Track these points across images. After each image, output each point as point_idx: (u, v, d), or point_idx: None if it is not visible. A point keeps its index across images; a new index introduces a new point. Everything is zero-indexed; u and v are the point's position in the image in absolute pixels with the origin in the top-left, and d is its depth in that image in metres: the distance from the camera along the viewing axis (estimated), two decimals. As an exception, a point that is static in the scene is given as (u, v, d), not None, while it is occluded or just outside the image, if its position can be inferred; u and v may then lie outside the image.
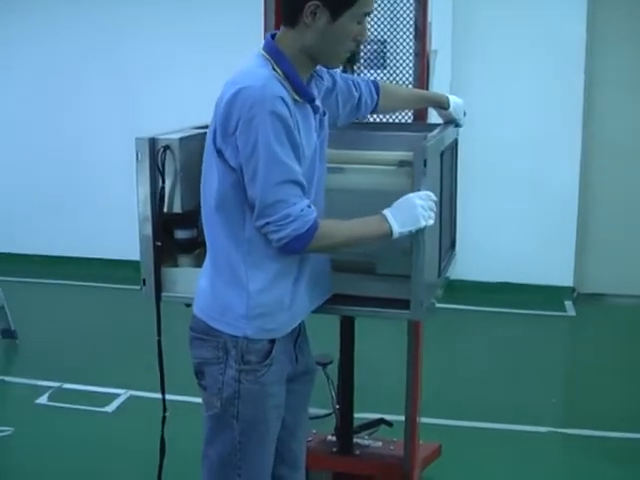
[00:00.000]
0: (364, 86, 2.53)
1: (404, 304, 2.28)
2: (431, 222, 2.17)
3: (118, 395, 4.65)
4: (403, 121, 3.03)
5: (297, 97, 2.09)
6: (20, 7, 7.20)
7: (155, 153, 2.42)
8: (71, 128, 7.22)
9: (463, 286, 6.75)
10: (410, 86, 3.01)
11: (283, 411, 2.32)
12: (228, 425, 2.24)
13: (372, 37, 3.24)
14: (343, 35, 2.10)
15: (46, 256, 7.15)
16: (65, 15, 7.12)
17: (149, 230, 2.45)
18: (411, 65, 3.06)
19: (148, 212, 2.44)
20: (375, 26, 3.21)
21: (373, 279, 2.39)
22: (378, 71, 3.27)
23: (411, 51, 3.06)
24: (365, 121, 2.97)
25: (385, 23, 3.21)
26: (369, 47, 3.31)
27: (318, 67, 2.25)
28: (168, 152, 2.42)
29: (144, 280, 2.51)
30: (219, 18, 6.46)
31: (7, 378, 4.96)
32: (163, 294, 2.52)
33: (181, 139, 2.44)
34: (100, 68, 7.09)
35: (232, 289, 2.17)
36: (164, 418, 2.66)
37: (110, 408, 4.49)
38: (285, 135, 2.02)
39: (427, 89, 2.95)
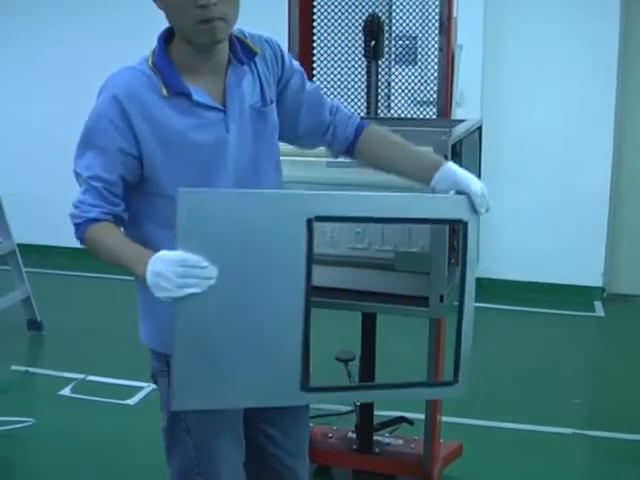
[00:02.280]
0: (343, 119, 2.26)
1: (424, 301, 2.27)
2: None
3: (141, 388, 4.67)
4: (427, 117, 3.01)
5: (165, 91, 2.01)
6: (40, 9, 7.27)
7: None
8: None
9: (491, 285, 6.69)
10: (430, 82, 2.99)
11: (241, 425, 2.24)
12: (180, 439, 2.20)
13: (403, 33, 3.23)
14: (180, 4, 1.95)
15: (73, 248, 7.17)
16: (81, 18, 7.18)
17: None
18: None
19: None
20: (407, 21, 3.20)
21: (393, 275, 2.38)
22: (410, 66, 3.26)
23: (440, 46, 3.03)
24: (386, 116, 2.96)
25: (416, 18, 3.20)
26: (400, 43, 3.30)
27: (282, 55, 2.19)
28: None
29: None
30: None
31: (31, 369, 5.01)
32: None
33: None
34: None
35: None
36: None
37: (132, 401, 4.51)
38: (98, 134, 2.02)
39: (452, 85, 2.92)
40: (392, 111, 3.23)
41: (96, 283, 6.85)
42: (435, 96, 2.92)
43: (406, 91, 3.25)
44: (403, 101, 3.24)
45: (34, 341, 5.56)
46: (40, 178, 7.46)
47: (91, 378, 4.81)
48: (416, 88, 3.17)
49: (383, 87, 3.22)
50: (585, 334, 5.88)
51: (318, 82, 3.16)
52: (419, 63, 3.27)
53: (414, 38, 3.25)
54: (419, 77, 3.22)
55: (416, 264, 2.29)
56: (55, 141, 7.42)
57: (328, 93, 3.19)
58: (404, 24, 3.18)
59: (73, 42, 7.26)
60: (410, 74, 3.21)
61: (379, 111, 3.14)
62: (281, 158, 2.43)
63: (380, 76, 3.15)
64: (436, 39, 3.03)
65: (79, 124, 2.07)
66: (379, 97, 3.17)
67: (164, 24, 2.05)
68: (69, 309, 6.16)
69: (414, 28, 3.18)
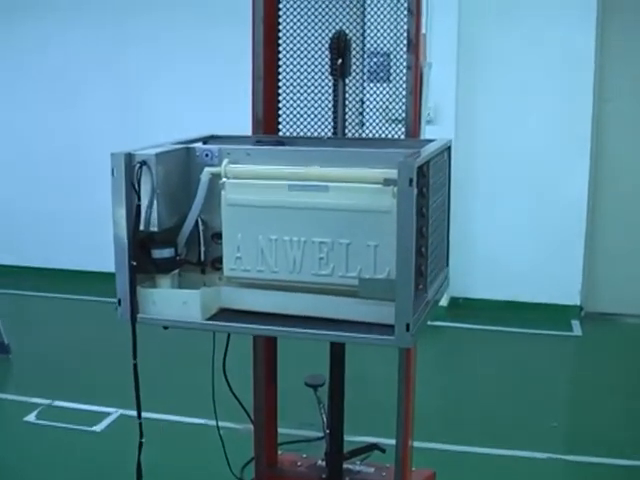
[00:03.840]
0: None
1: (391, 329, 2.18)
2: None
3: (109, 414, 4.57)
4: (395, 136, 2.93)
5: None
6: (31, 16, 7.18)
7: (131, 169, 2.33)
8: (71, 136, 7.18)
9: (468, 304, 6.67)
10: (404, 100, 2.91)
11: None
12: None
13: (375, 49, 3.15)
14: None
15: (42, 268, 7.08)
16: (72, 23, 7.10)
17: (124, 249, 2.36)
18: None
19: (123, 230, 2.35)
20: (380, 38, 3.12)
21: (358, 302, 2.29)
22: (383, 84, 3.18)
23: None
24: (353, 136, 2.88)
25: (389, 35, 3.12)
26: (374, 60, 3.22)
27: None
28: (145, 168, 2.33)
29: (119, 300, 2.42)
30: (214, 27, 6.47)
31: (-5, 395, 4.90)
32: (140, 315, 2.43)
33: (158, 155, 2.35)
34: (103, 76, 7.06)
35: None
36: (140, 444, 2.57)
37: (99, 427, 4.40)
38: None
39: (421, 103, 2.85)
40: (366, 130, 3.15)
41: (66, 304, 6.74)
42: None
43: (380, 109, 3.18)
44: (377, 120, 3.17)
45: (1, 365, 5.44)
46: (15, 194, 7.36)
47: (58, 403, 4.70)
48: (390, 106, 3.11)
49: (355, 105, 3.16)
50: (563, 354, 5.84)
51: (284, 101, 3.09)
52: (393, 81, 3.19)
53: (387, 55, 3.18)
54: (392, 94, 3.14)
55: (381, 291, 2.21)
56: (26, 158, 7.37)
57: (295, 113, 3.12)
58: (377, 40, 3.11)
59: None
60: (384, 92, 3.14)
61: (347, 131, 3.06)
62: (242, 181, 2.38)
63: (352, 94, 3.08)
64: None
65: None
66: (351, 116, 3.11)
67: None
68: (37, 331, 6.05)
69: (387, 44, 3.12)
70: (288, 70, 3.10)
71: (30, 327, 6.11)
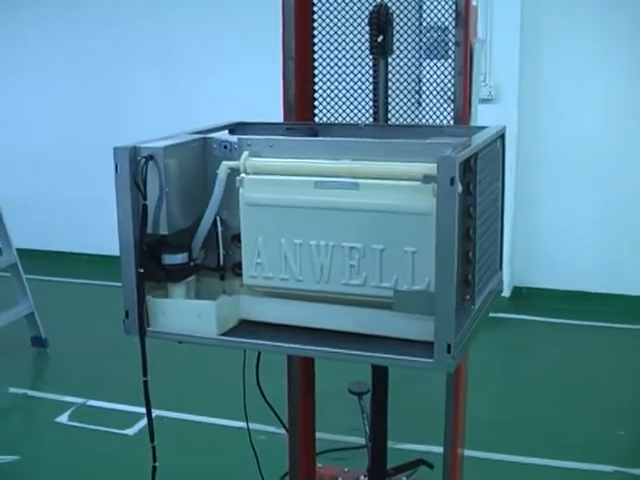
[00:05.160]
0: None
1: (430, 348, 1.91)
2: None
3: (144, 415, 4.36)
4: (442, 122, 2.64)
5: None
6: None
7: (137, 164, 2.08)
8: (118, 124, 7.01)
9: (531, 294, 6.34)
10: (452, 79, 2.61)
11: None
12: None
13: (432, 24, 2.85)
14: None
15: (82, 254, 6.93)
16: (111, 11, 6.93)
17: (130, 254, 2.12)
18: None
19: (130, 233, 2.11)
20: (435, 12, 2.82)
21: (393, 316, 2.02)
22: (442, 61, 2.89)
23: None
24: (403, 121, 2.60)
25: (443, 8, 2.83)
26: (429, 35, 2.92)
27: None
28: (151, 163, 2.08)
29: (127, 312, 2.19)
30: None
31: (30, 392, 4.75)
32: (149, 329, 2.20)
33: (166, 148, 2.11)
34: (147, 64, 6.88)
35: None
36: (154, 469, 2.35)
37: (132, 430, 4.22)
38: None
39: (471, 84, 2.55)
40: (423, 112, 2.86)
41: (111, 292, 6.57)
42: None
43: (438, 88, 2.89)
44: (435, 100, 2.89)
45: (38, 359, 5.31)
46: (46, 179, 7.22)
47: (92, 403, 4.54)
48: (450, 85, 2.81)
49: (410, 84, 2.87)
50: (634, 350, 5.45)
51: (320, 83, 2.82)
52: (450, 57, 2.88)
53: (444, 30, 2.88)
54: (452, 72, 2.83)
55: (419, 305, 1.93)
56: (69, 144, 7.23)
57: (332, 97, 2.84)
58: (434, 14, 2.81)
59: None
60: (442, 69, 2.85)
61: (402, 113, 2.76)
62: (263, 177, 2.11)
63: (406, 73, 2.80)
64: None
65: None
66: (407, 95, 2.82)
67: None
68: (77, 321, 5.88)
69: (443, 19, 2.81)
70: (324, 49, 2.83)
71: (69, 317, 5.95)
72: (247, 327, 2.21)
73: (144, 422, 4.31)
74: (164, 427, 4.29)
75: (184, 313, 2.17)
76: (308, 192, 2.05)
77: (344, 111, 2.84)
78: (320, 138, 2.26)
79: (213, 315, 2.13)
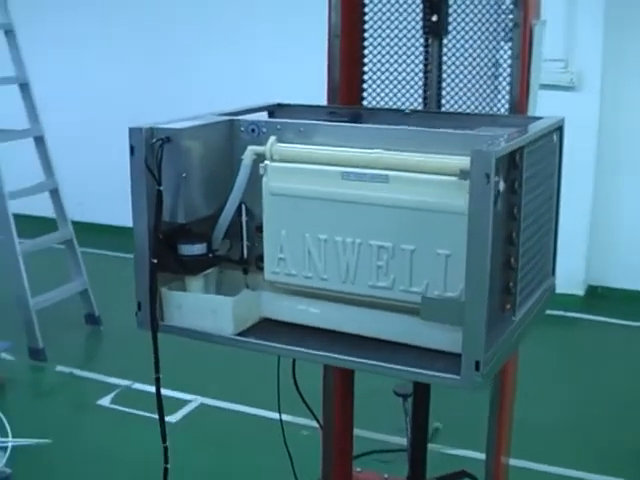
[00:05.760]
0: None
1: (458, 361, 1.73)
2: None
3: (188, 402, 4.29)
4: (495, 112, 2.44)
5: None
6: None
7: (153, 147, 1.95)
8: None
9: (607, 294, 6.05)
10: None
11: None
12: None
13: (492, 3, 2.64)
14: None
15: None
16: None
17: (144, 243, 1.99)
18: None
19: (144, 221, 1.98)
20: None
21: (423, 323, 1.84)
22: (506, 44, 2.68)
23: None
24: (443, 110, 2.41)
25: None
26: (488, 16, 2.70)
27: None
28: (168, 146, 1.94)
29: (139, 304, 2.06)
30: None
31: (77, 371, 4.69)
32: (162, 323, 2.07)
33: (185, 130, 1.96)
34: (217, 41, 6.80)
35: None
36: (166, 469, 2.22)
37: (174, 418, 4.12)
38: None
39: (530, 70, 2.33)
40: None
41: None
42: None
43: (497, 73, 2.68)
44: (493, 87, 2.68)
45: (89, 337, 5.27)
46: (105, 154, 7.18)
47: (137, 386, 4.45)
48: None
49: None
50: None
51: (370, 64, 2.64)
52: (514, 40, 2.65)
53: (510, 11, 2.66)
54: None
55: (447, 315, 1.75)
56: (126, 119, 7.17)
57: (382, 78, 2.66)
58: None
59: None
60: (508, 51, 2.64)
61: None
62: (287, 165, 1.96)
63: (462, 56, 2.60)
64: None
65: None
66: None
67: None
68: (134, 299, 5.82)
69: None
70: (376, 27, 2.64)
71: (125, 294, 5.89)
72: (267, 326, 2.07)
73: (188, 409, 4.24)
74: (205, 415, 4.20)
75: (200, 308, 2.04)
76: (334, 183, 1.89)
77: (395, 95, 2.66)
78: (353, 124, 2.08)
79: (229, 312, 2.00)
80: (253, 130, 2.08)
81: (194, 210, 2.02)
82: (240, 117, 2.13)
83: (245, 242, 2.10)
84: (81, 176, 6.86)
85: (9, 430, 3.68)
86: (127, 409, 4.17)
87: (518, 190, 1.86)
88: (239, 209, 2.08)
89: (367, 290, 1.90)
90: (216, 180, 2.07)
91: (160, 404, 2.21)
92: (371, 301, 1.91)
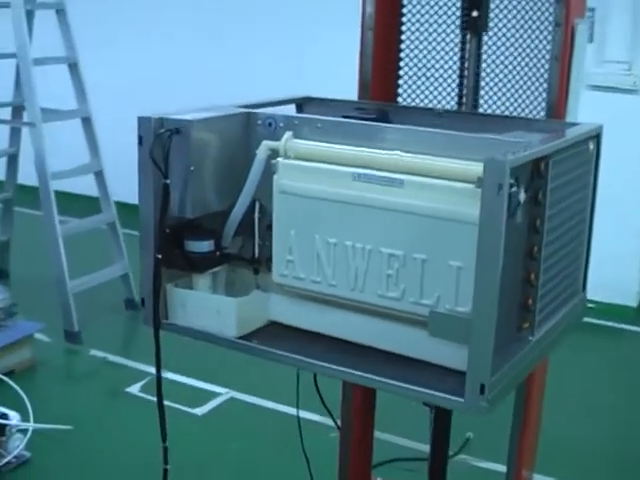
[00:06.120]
0: None
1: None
2: None
3: (218, 395, 4.23)
4: (530, 115, 2.31)
5: None
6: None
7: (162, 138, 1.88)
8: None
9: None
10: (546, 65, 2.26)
11: None
12: None
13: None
14: None
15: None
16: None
17: (150, 237, 1.93)
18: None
19: (150, 214, 1.92)
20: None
21: (432, 338, 1.74)
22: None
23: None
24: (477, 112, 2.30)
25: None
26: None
27: None
28: (177, 138, 1.87)
29: (142, 300, 2.00)
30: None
31: (111, 357, 4.67)
32: (165, 321, 2.01)
33: (196, 121, 1.89)
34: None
35: None
36: (165, 471, 2.16)
37: (201, 410, 4.08)
38: None
39: (570, 72, 2.20)
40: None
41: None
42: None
43: (537, 74, 2.55)
44: (533, 88, 2.56)
45: (127, 323, 5.26)
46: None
47: (169, 375, 4.40)
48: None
49: (508, 67, 2.55)
50: None
51: (406, 59, 2.53)
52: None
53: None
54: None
55: (454, 332, 1.65)
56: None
57: (419, 74, 2.56)
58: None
59: None
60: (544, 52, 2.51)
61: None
62: (299, 163, 1.87)
63: (502, 55, 2.48)
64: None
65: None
66: (503, 81, 2.51)
67: None
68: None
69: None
70: (414, 20, 2.54)
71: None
72: (274, 330, 1.99)
73: (216, 402, 4.19)
74: (233, 409, 4.15)
75: (204, 308, 1.97)
76: (346, 185, 1.80)
77: (431, 93, 2.56)
78: (373, 123, 1.98)
79: (233, 313, 1.93)
80: (270, 124, 2.00)
81: (204, 205, 1.95)
82: (258, 110, 2.05)
83: (257, 241, 2.02)
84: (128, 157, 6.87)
85: (31, 413, 3.66)
86: (154, 398, 4.12)
87: (542, 201, 1.75)
88: (253, 206, 2.00)
89: (376, 299, 1.81)
90: (230, 175, 1.99)
91: (161, 403, 2.15)
92: (380, 311, 1.82)
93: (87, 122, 5.20)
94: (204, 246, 1.97)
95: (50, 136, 4.93)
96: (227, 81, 6.51)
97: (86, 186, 5.66)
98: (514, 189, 1.58)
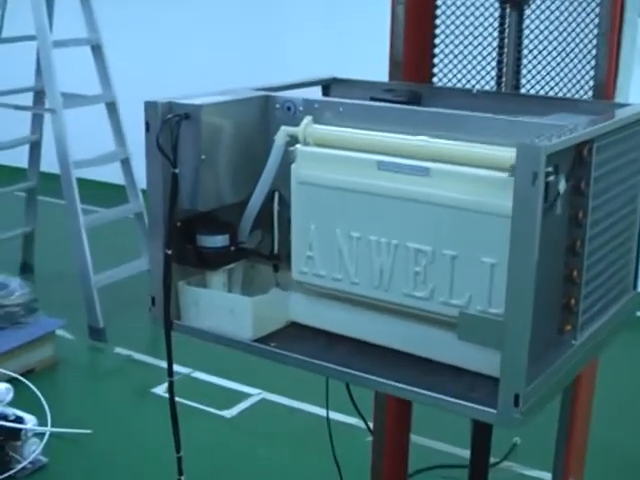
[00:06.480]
0: None
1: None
2: None
3: (249, 396, 4.19)
4: (576, 96, 2.22)
5: None
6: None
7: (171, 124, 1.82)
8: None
9: None
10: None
11: None
12: None
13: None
14: None
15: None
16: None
17: (159, 231, 1.88)
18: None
19: (159, 206, 1.87)
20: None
21: (463, 342, 1.67)
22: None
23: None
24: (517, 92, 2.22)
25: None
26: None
27: None
28: (186, 124, 1.81)
29: (153, 299, 1.95)
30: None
31: (136, 355, 4.65)
32: (177, 322, 1.96)
33: (207, 106, 1.83)
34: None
35: None
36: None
37: (230, 413, 4.03)
38: None
39: (619, 48, 2.10)
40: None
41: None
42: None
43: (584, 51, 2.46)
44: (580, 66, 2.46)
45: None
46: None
47: (197, 375, 4.38)
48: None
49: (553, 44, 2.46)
50: None
51: (442, 36, 2.45)
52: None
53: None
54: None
55: (485, 336, 1.57)
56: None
57: (456, 52, 2.47)
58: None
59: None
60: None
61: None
62: (319, 150, 1.80)
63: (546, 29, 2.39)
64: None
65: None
66: (547, 59, 2.42)
67: None
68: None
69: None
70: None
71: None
72: (294, 332, 1.93)
73: (246, 404, 4.14)
74: (264, 411, 4.10)
75: (217, 307, 1.92)
76: (369, 174, 1.73)
77: (469, 72, 2.47)
78: (398, 105, 1.90)
79: (248, 314, 1.87)
80: (289, 108, 1.93)
81: (217, 197, 1.90)
82: (275, 93, 1.98)
83: (276, 235, 1.96)
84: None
85: (49, 416, 3.65)
86: (182, 399, 4.07)
87: (585, 191, 1.66)
88: (271, 197, 1.94)
89: (402, 299, 1.74)
90: (246, 163, 1.93)
91: (174, 410, 2.08)
92: (406, 311, 1.75)
93: (112, 107, 5.16)
94: (218, 241, 1.91)
95: (75, 122, 4.92)
96: (258, 64, 6.46)
97: (112, 173, 5.64)
98: (552, 178, 1.49)
